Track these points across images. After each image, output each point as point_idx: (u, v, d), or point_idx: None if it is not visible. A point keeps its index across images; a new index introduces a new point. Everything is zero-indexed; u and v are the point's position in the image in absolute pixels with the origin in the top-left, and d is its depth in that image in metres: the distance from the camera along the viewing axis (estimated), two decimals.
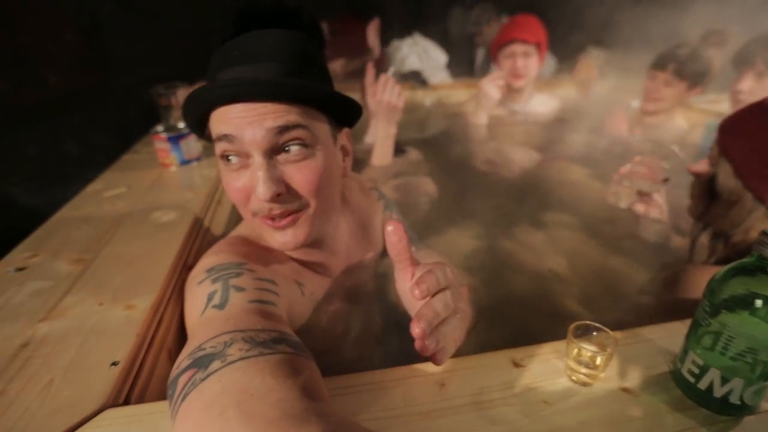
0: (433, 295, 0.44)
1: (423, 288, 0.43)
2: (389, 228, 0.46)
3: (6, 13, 1.93)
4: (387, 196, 0.92)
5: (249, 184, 0.54)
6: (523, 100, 1.73)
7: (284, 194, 0.55)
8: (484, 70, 2.64)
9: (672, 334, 0.57)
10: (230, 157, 0.54)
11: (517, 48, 1.63)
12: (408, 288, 0.47)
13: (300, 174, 0.55)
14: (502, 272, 1.07)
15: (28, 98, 2.12)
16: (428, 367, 0.50)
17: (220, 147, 0.54)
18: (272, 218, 0.56)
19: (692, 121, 1.66)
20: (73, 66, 2.34)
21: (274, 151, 0.54)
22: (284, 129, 0.53)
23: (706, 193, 0.79)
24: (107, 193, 0.90)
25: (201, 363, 0.40)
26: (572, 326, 0.49)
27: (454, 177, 1.41)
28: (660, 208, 1.08)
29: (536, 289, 1.01)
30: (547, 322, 0.93)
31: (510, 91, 1.71)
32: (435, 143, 1.62)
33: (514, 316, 0.92)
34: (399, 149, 1.28)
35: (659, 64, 1.52)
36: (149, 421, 0.43)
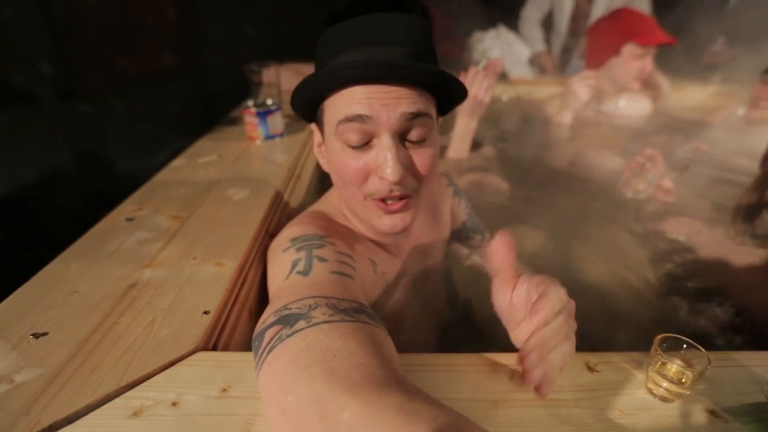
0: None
1: (541, 316, 0.40)
2: (498, 239, 0.44)
3: None
4: (456, 183, 0.91)
5: (372, 164, 0.55)
6: (613, 101, 1.62)
7: (406, 176, 0.56)
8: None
9: (765, 364, 0.52)
10: (355, 137, 0.55)
11: (651, 48, 1.51)
12: (508, 300, 0.46)
13: (421, 159, 0.56)
14: (568, 275, 1.03)
15: (133, 71, 2.33)
16: (499, 357, 0.50)
17: (347, 127, 0.54)
18: (384, 201, 0.57)
19: None
20: (171, 44, 2.53)
21: (402, 134, 0.55)
22: (416, 115, 0.54)
23: None
24: (201, 160, 0.98)
25: (287, 321, 0.43)
26: (658, 337, 0.46)
27: (527, 175, 1.36)
28: (670, 194, 1.13)
29: (603, 297, 0.96)
30: (614, 330, 0.88)
31: (600, 92, 1.60)
32: (512, 140, 1.57)
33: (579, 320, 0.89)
34: (475, 143, 1.25)
35: None
36: (235, 367, 0.47)
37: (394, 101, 0.53)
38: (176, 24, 2.58)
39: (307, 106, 0.61)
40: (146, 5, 2.32)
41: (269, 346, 0.41)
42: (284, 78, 1.45)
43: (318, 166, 1.17)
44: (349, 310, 0.44)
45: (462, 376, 0.47)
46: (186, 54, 2.61)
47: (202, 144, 1.09)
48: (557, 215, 1.19)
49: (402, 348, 0.45)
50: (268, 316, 0.46)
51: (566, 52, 2.54)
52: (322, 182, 1.16)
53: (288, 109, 1.27)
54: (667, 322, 0.85)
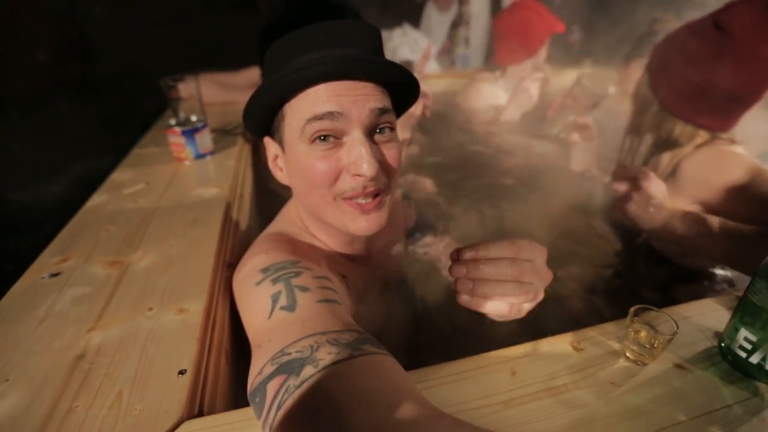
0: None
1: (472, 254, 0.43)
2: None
3: None
4: (401, 186, 0.89)
5: (344, 161, 0.50)
6: None
7: (379, 172, 0.52)
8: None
9: (703, 312, 0.57)
10: (324, 137, 0.50)
11: None
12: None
13: (390, 153, 0.53)
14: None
15: (7, 91, 1.93)
16: (497, 355, 0.48)
17: (317, 126, 0.49)
18: (359, 202, 0.53)
19: None
20: (51, 58, 2.14)
21: (371, 131, 0.52)
22: (383, 111, 0.51)
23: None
24: (126, 191, 0.82)
25: (290, 369, 0.36)
26: (632, 309, 0.48)
27: (453, 167, 1.37)
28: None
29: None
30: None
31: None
32: (437, 134, 1.57)
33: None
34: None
35: None
36: (232, 431, 0.39)
37: (362, 97, 0.49)
38: (56, 36, 2.18)
39: (263, 115, 0.54)
40: (14, 20, 1.93)
41: (277, 402, 0.35)
42: (203, 90, 1.30)
43: (257, 181, 1.07)
44: (353, 343, 0.39)
45: (465, 382, 0.45)
46: (70, 69, 2.23)
47: (123, 172, 0.92)
48: (487, 203, 1.22)
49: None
50: (264, 365, 0.39)
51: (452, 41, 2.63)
52: (263, 198, 1.06)
53: (214, 123, 1.14)
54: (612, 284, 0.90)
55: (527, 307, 0.46)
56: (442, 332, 0.78)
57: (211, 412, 0.43)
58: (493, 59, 1.63)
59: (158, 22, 2.25)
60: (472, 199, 1.23)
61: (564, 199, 1.13)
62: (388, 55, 1.90)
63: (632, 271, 0.91)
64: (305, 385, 0.34)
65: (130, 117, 1.53)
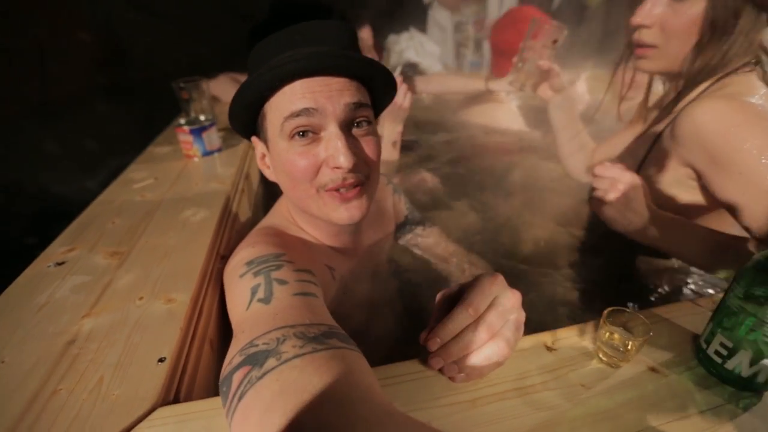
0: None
1: (441, 332, 0.41)
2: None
3: (26, 17, 1.78)
4: (394, 181, 0.87)
5: (323, 155, 0.50)
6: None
7: (358, 163, 0.50)
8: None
9: (682, 315, 0.53)
10: (303, 133, 0.49)
11: None
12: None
13: (367, 147, 0.52)
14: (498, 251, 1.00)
15: (50, 96, 1.99)
16: None
17: (294, 123, 0.48)
18: (340, 191, 0.52)
19: None
20: (90, 64, 2.19)
21: (348, 125, 0.51)
22: (359, 105, 0.50)
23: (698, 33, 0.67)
24: (136, 185, 0.82)
25: (255, 360, 0.35)
26: (606, 311, 0.45)
27: (455, 166, 1.33)
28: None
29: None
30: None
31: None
32: (437, 135, 1.52)
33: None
34: (405, 144, 1.19)
35: None
36: (203, 418, 0.38)
37: (336, 93, 0.48)
38: (93, 45, 2.23)
39: (246, 115, 0.53)
40: (56, 29, 1.97)
41: (239, 392, 0.34)
42: (223, 88, 1.31)
43: (262, 178, 1.06)
44: (319, 337, 0.38)
45: (433, 380, 0.42)
46: (106, 75, 2.28)
47: (136, 167, 0.93)
48: (480, 198, 1.17)
49: (367, 350, 0.40)
50: (233, 355, 0.37)
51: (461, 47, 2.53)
52: (268, 193, 1.05)
53: (225, 121, 1.13)
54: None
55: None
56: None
57: (188, 399, 0.42)
58: (494, 72, 1.51)
59: (186, 29, 2.27)
60: (467, 194, 1.19)
61: (551, 196, 1.08)
62: (396, 57, 1.88)
63: (616, 269, 0.86)
64: (265, 377, 0.33)
65: (159, 117, 1.55)
